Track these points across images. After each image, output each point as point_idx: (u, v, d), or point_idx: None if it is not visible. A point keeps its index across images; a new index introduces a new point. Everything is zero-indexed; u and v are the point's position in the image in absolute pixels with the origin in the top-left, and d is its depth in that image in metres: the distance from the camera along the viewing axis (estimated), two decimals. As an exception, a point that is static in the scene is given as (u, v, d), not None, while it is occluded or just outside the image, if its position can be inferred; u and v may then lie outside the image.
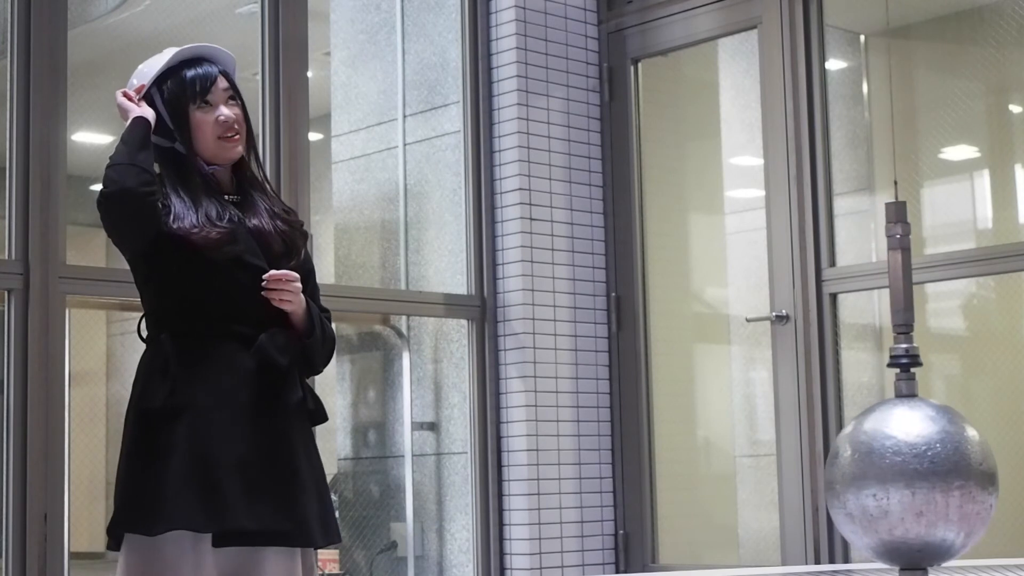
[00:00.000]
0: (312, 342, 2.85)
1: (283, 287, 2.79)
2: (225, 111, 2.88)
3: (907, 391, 2.68)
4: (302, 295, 2.85)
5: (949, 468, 2.53)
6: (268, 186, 3.01)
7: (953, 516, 2.54)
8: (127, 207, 2.73)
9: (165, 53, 2.93)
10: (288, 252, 2.90)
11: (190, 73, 2.88)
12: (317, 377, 3.18)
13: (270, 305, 2.80)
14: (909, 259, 2.72)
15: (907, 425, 2.57)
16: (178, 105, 2.87)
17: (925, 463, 2.52)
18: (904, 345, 2.69)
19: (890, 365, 2.69)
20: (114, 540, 2.79)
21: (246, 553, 2.72)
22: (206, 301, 2.79)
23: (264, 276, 2.79)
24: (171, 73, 2.89)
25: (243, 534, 2.70)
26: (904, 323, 2.70)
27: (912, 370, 2.69)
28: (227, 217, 2.83)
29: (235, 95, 2.93)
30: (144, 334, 2.90)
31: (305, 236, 3.01)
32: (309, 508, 2.80)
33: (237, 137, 2.89)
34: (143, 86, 2.88)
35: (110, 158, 2.78)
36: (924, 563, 2.61)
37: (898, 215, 2.73)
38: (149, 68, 2.92)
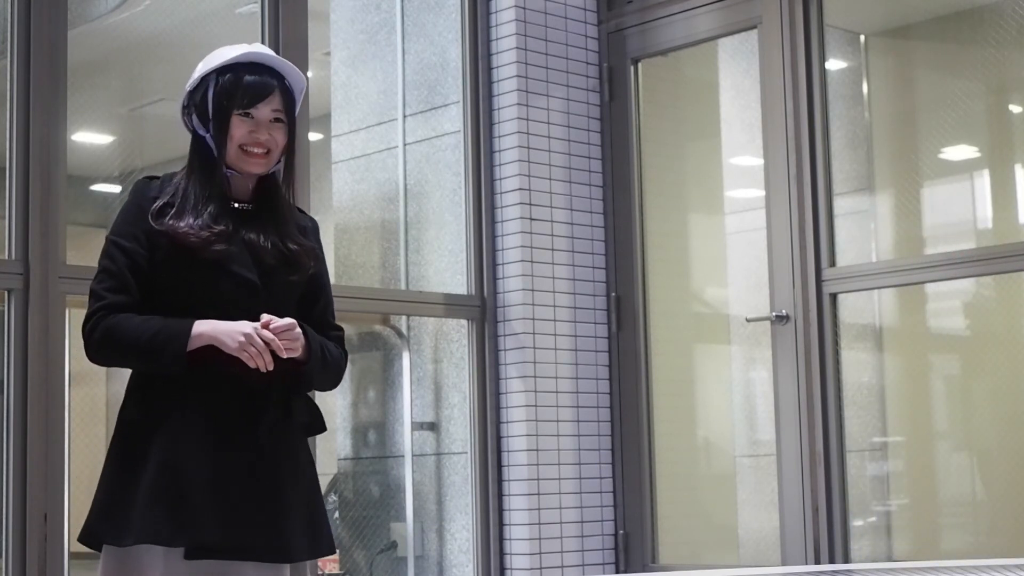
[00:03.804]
0: (309, 368, 2.83)
1: (282, 341, 2.75)
2: (263, 131, 2.84)
3: None
4: (301, 336, 2.80)
5: None
6: (290, 205, 2.96)
7: None
8: (90, 357, 2.84)
9: (242, 48, 2.89)
10: (286, 267, 2.87)
11: (248, 79, 2.84)
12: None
13: (253, 319, 2.78)
14: None
15: None
16: (223, 104, 2.84)
17: None
18: None
19: None
20: (90, 543, 2.81)
21: (221, 566, 2.72)
22: (193, 311, 2.77)
23: (263, 330, 2.75)
24: (234, 69, 2.85)
25: (212, 548, 2.69)
26: None
27: None
28: (223, 223, 2.82)
29: (283, 118, 2.87)
30: None
31: (315, 257, 2.96)
32: (292, 522, 2.77)
33: (261, 156, 2.86)
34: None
35: (136, 325, 2.75)
36: None
37: None
38: (220, 55, 2.88)
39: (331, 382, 2.98)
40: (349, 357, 3.05)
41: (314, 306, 2.96)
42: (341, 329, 3.03)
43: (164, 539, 2.68)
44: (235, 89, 2.83)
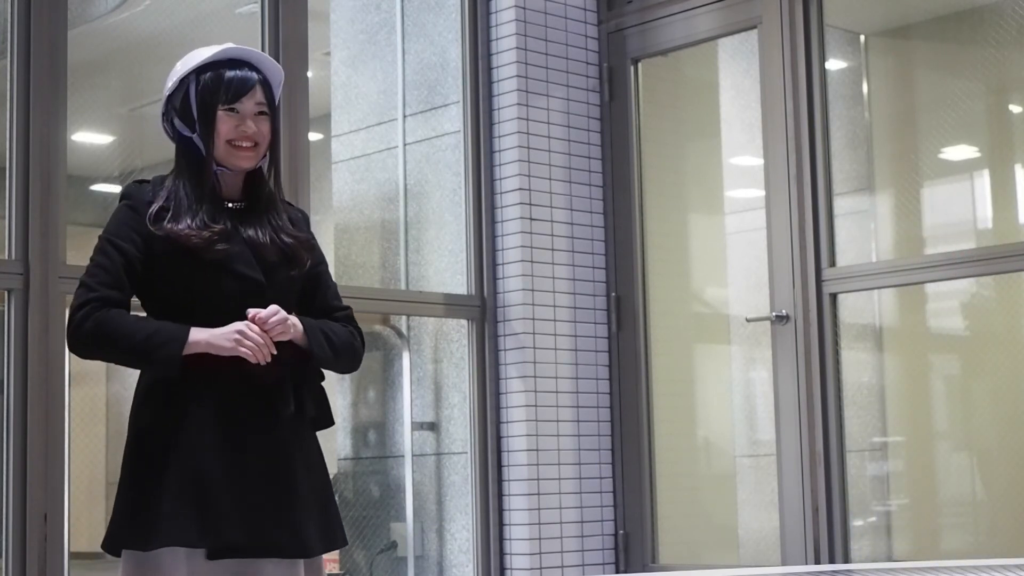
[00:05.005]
0: (316, 354, 2.84)
1: (272, 330, 2.77)
2: (249, 124, 2.86)
3: None
4: (296, 323, 2.82)
5: None
6: (280, 200, 2.98)
7: None
8: (75, 347, 2.80)
9: (217, 46, 2.90)
10: (286, 262, 2.88)
11: (229, 74, 2.86)
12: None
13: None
14: None
15: None
16: (207, 101, 2.85)
17: None
18: None
19: None
20: (113, 549, 2.81)
21: (242, 564, 2.74)
22: (195, 312, 2.77)
23: (250, 319, 2.76)
24: (213, 67, 2.86)
25: (236, 548, 2.71)
26: None
27: None
28: (221, 222, 2.82)
29: (267, 111, 2.89)
30: None
31: (311, 248, 2.97)
32: (306, 518, 2.80)
33: (249, 149, 2.87)
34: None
35: (127, 328, 2.74)
36: None
37: None
38: (196, 56, 2.89)
39: (348, 363, 2.98)
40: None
41: (315, 296, 2.97)
42: (348, 308, 3.03)
43: (190, 541, 2.69)
44: (218, 85, 2.85)
